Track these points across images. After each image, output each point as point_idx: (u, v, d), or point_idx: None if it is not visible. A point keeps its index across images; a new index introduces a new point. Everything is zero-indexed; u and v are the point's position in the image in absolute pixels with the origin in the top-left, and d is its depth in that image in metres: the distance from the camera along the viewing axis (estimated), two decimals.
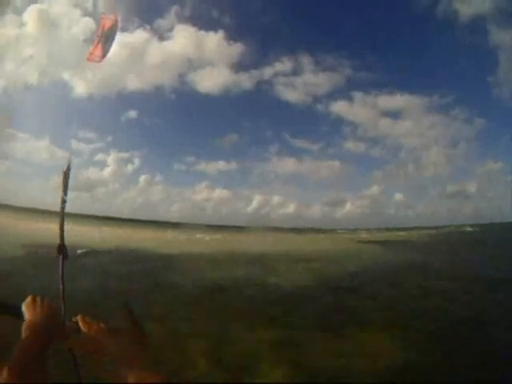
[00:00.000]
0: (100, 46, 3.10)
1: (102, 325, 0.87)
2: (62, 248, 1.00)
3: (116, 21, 3.24)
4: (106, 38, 3.13)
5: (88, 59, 3.11)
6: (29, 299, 0.89)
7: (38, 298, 0.89)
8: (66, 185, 1.05)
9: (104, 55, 3.11)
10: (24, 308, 0.87)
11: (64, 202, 1.04)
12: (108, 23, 3.19)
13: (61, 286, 0.93)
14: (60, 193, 1.02)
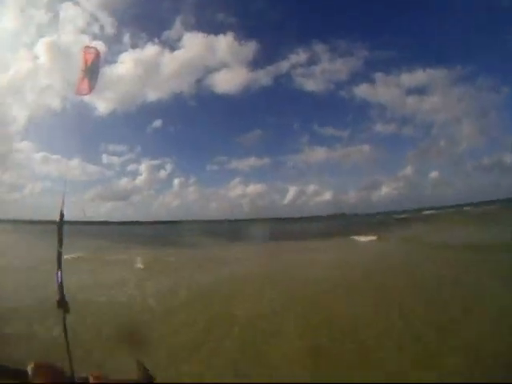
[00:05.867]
0: (86, 80, 3.13)
1: (115, 381, 0.84)
2: (62, 302, 0.96)
3: (98, 53, 3.28)
4: (91, 72, 3.16)
5: (76, 93, 3.15)
6: (33, 366, 0.83)
7: (43, 364, 0.84)
8: (61, 236, 1.04)
9: (91, 88, 3.14)
10: (30, 375, 0.81)
11: (60, 254, 1.03)
12: (90, 57, 3.22)
13: (66, 343, 0.92)
14: (58, 246, 1.02)
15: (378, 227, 38.93)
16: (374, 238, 26.18)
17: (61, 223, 1.03)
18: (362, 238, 26.31)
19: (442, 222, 36.28)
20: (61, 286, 0.99)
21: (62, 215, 1.04)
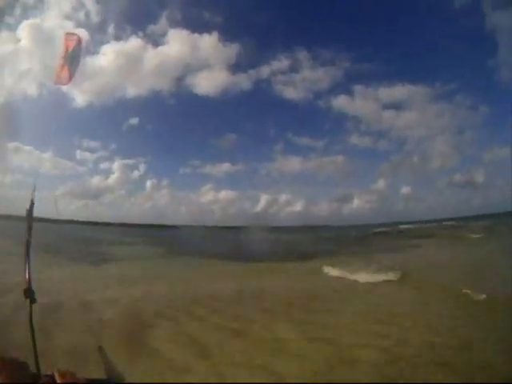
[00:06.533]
0: (66, 68, 3.04)
1: (79, 378, 0.82)
2: (28, 292, 0.94)
3: (80, 40, 3.19)
4: (71, 60, 3.07)
5: (55, 82, 3.05)
6: None
7: (6, 359, 0.83)
8: (31, 225, 1.01)
9: (71, 77, 3.05)
10: None
11: (29, 243, 1.00)
12: (71, 44, 3.13)
13: (31, 336, 0.89)
14: (26, 235, 0.98)
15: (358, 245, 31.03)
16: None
17: (30, 211, 1.01)
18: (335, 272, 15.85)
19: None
20: (29, 275, 0.97)
21: (32, 204, 1.01)
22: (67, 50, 3.05)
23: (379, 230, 57.04)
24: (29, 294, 0.98)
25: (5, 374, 0.79)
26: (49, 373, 0.86)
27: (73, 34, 3.26)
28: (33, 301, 0.98)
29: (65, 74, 3.00)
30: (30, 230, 1.02)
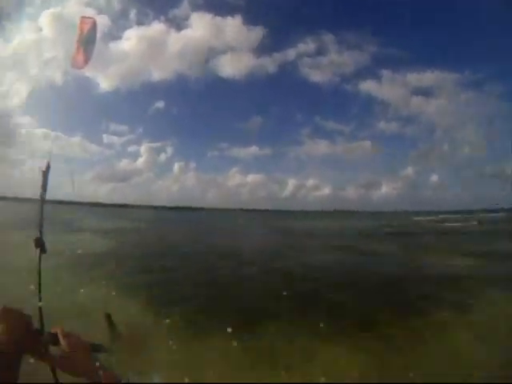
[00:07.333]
0: (81, 50, 3.17)
1: (82, 340, 0.82)
2: (39, 241, 1.00)
3: (95, 23, 3.29)
4: (87, 42, 3.19)
5: (72, 66, 3.20)
6: (1, 309, 0.81)
7: (11, 309, 0.81)
8: (46, 183, 1.16)
9: (87, 60, 3.18)
10: None
11: (43, 199, 1.16)
12: (86, 26, 3.25)
13: (38, 288, 0.95)
14: (40, 190, 1.14)
15: None
16: None
17: (47, 170, 1.16)
18: None
19: None
20: (40, 225, 1.08)
21: (48, 166, 1.17)
22: (82, 33, 3.17)
23: (418, 218, 52.55)
24: (39, 243, 1.04)
25: (5, 325, 0.77)
26: (53, 331, 0.84)
27: (88, 17, 3.37)
28: (43, 250, 1.04)
29: (80, 57, 3.14)
30: (45, 188, 1.17)
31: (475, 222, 42.69)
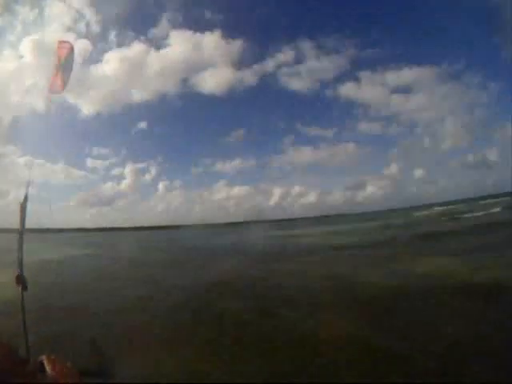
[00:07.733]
0: (59, 75, 3.14)
1: (69, 365, 0.83)
2: (20, 278, 0.97)
3: (71, 48, 3.28)
4: (64, 67, 3.17)
5: (50, 90, 3.15)
6: None
7: None
8: (24, 217, 1.10)
9: (64, 84, 3.15)
10: None
11: (22, 234, 1.09)
12: (64, 51, 3.23)
13: (22, 322, 0.92)
14: (20, 225, 1.08)
15: None
16: None
17: (24, 204, 1.11)
18: None
19: None
20: (20, 262, 1.02)
21: (25, 198, 1.11)
22: (60, 58, 3.15)
23: (419, 213, 51.00)
24: (21, 280, 1.00)
25: None
26: (39, 359, 0.85)
27: (65, 41, 3.35)
28: (24, 288, 1.01)
29: (58, 81, 3.10)
30: (24, 222, 1.11)
31: (498, 209, 35.56)
